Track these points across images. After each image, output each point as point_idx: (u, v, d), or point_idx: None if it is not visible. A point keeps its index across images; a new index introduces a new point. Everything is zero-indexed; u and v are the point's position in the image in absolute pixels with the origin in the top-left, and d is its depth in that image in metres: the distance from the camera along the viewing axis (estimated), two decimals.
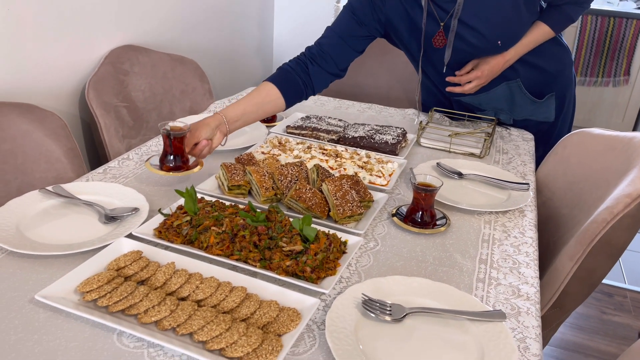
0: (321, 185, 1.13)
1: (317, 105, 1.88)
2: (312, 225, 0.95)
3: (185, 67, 1.75)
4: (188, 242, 0.96)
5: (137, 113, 1.58)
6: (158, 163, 1.17)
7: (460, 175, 1.33)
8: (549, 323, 1.09)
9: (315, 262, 0.89)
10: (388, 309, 0.82)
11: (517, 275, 0.97)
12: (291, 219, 0.98)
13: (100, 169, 1.27)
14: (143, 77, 1.61)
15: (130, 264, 0.86)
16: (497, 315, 0.82)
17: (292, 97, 1.38)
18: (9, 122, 1.18)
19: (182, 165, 1.16)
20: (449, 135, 1.56)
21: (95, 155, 1.56)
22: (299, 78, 1.38)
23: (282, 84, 1.35)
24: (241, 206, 1.07)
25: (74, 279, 0.83)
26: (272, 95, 1.34)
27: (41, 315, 0.78)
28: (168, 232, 0.97)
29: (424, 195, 1.09)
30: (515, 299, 0.90)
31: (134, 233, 0.97)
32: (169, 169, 1.15)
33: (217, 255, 0.93)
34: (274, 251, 0.92)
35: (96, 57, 1.54)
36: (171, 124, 1.16)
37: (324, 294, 0.87)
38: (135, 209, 1.05)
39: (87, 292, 0.80)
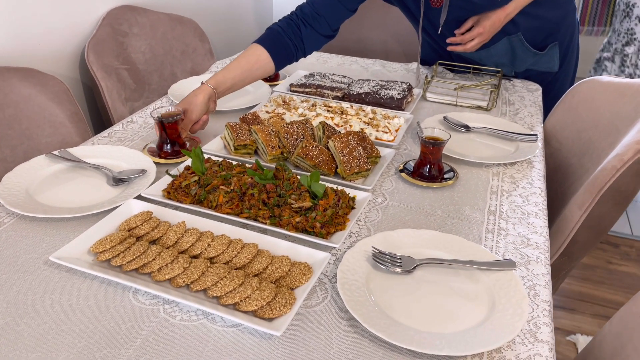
0: (327, 142, 1.12)
1: (320, 62, 1.85)
2: (320, 182, 0.95)
3: (185, 27, 1.72)
4: (197, 201, 0.96)
5: (138, 75, 1.56)
6: (156, 150, 1.16)
7: (467, 128, 1.32)
8: (558, 272, 1.10)
9: (325, 217, 0.90)
10: (398, 261, 0.83)
11: (526, 225, 0.97)
12: (299, 177, 0.97)
13: (105, 133, 1.26)
14: (142, 38, 1.58)
15: (142, 224, 0.87)
16: (507, 264, 0.82)
17: (282, 60, 1.35)
18: (11, 87, 1.16)
19: (179, 150, 1.15)
20: (454, 88, 1.53)
21: (99, 119, 1.55)
22: (290, 41, 1.34)
23: (272, 47, 1.31)
24: (248, 165, 1.07)
25: (86, 240, 0.84)
26: (262, 60, 1.31)
27: (57, 276, 0.80)
28: (177, 192, 0.98)
29: (432, 148, 1.08)
30: (524, 248, 0.91)
31: (143, 194, 0.98)
32: (167, 155, 1.14)
33: (227, 213, 0.93)
34: (283, 208, 0.92)
35: (94, 19, 1.51)
36: (163, 110, 1.14)
37: (334, 248, 0.88)
38: (143, 171, 1.05)
39: (101, 252, 0.81)
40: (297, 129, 1.16)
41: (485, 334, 0.71)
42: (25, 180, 1.02)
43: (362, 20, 2.24)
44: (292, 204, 0.93)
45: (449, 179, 1.10)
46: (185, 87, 1.50)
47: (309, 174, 0.96)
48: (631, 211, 2.58)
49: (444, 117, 1.35)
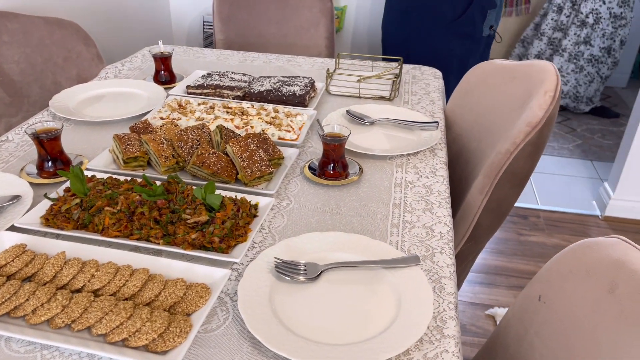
0: (226, 147, 1.06)
1: (220, 61, 1.78)
2: (217, 192, 0.89)
3: (66, 31, 1.57)
4: (81, 226, 0.87)
5: (13, 88, 1.40)
6: (36, 170, 1.04)
7: (370, 120, 1.31)
8: (466, 256, 1.12)
9: (224, 230, 0.84)
10: (302, 269, 0.79)
11: (431, 216, 0.97)
12: (193, 189, 0.91)
13: None
14: (15, 47, 1.43)
15: (12, 261, 0.77)
16: (411, 260, 0.81)
17: None
18: None
19: (63, 167, 1.04)
20: (357, 80, 1.52)
21: None
22: None
23: None
24: (139, 180, 0.99)
25: None
26: None
27: None
28: (56, 218, 0.88)
29: (333, 146, 1.05)
30: (429, 240, 0.90)
31: (16, 224, 0.87)
32: (50, 175, 1.03)
33: (115, 237, 0.85)
34: (177, 225, 0.85)
35: None
36: (40, 125, 1.03)
37: (235, 263, 0.83)
38: (17, 197, 0.94)
39: None
40: (192, 135, 1.08)
41: (392, 338, 0.69)
42: None
43: (260, 14, 2.18)
44: (187, 219, 0.86)
45: (354, 174, 1.08)
46: (69, 97, 1.37)
47: (204, 184, 0.90)
48: (536, 183, 2.73)
49: (347, 111, 1.33)
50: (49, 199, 0.93)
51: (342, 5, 2.49)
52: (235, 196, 0.93)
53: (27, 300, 0.70)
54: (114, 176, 0.98)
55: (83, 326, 0.68)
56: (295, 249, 0.84)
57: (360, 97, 1.48)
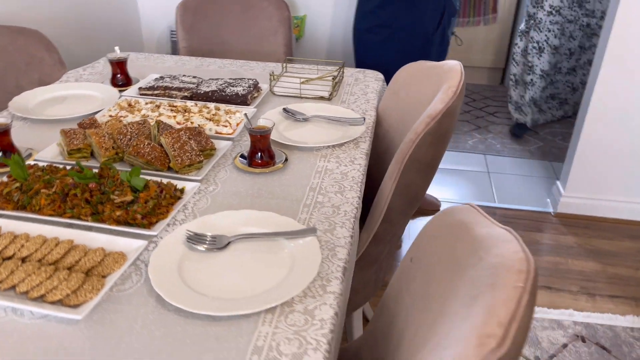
0: (160, 139, 1.17)
1: (178, 66, 1.89)
2: (150, 178, 1.00)
3: (28, 38, 1.69)
4: (21, 207, 0.98)
5: None
6: None
7: (304, 117, 1.42)
8: (383, 237, 1.22)
9: (146, 208, 0.95)
10: (211, 239, 0.90)
11: (341, 197, 1.08)
12: (122, 172, 1.01)
13: None
14: None
15: None
16: (308, 231, 0.92)
17: None
18: None
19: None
20: (301, 82, 1.64)
21: None
22: None
23: None
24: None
25: None
26: None
27: None
28: None
29: (258, 137, 1.16)
30: (334, 217, 1.01)
31: None
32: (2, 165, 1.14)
33: (50, 215, 0.95)
34: (105, 205, 0.96)
35: None
36: None
37: (154, 236, 0.93)
38: None
39: None
40: (132, 129, 1.19)
41: (279, 292, 0.79)
42: None
43: (222, 23, 2.31)
44: (115, 199, 0.97)
45: (279, 163, 1.19)
46: (28, 99, 1.48)
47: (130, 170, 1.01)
48: (495, 182, 2.85)
49: (284, 109, 1.44)
50: (2, 181, 1.03)
51: (302, 14, 2.62)
52: (161, 180, 1.04)
53: None
54: (55, 165, 1.09)
55: (8, 285, 0.78)
56: (209, 224, 0.95)
57: (301, 97, 1.59)
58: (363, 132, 1.34)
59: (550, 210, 2.64)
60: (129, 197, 0.96)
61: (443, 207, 2.62)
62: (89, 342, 0.72)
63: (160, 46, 2.81)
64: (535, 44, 3.07)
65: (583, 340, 1.88)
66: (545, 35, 3.03)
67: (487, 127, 3.53)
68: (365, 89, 1.69)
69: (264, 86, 1.62)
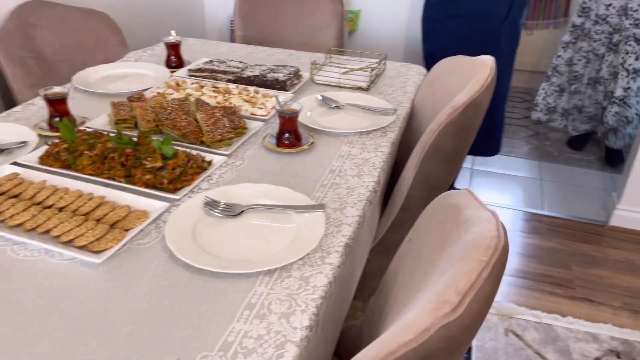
0: (197, 115, 1.26)
1: (231, 52, 1.99)
2: (173, 146, 1.08)
3: (96, 20, 1.84)
4: (66, 166, 1.09)
5: (46, 63, 1.67)
6: (46, 126, 1.28)
7: (338, 105, 1.47)
8: (402, 224, 1.25)
9: (173, 175, 1.03)
10: (226, 207, 0.97)
11: (358, 181, 1.12)
12: (155, 140, 1.10)
13: (4, 114, 1.38)
14: (52, 31, 1.70)
15: (4, 183, 0.99)
16: (317, 207, 0.97)
17: None
18: None
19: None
20: (343, 72, 1.68)
21: (11, 104, 1.66)
22: None
23: None
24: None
25: None
26: None
27: None
28: (49, 158, 1.10)
29: (286, 119, 1.22)
30: (347, 197, 1.06)
31: (18, 160, 1.10)
32: (57, 130, 1.26)
33: (89, 174, 1.06)
34: (138, 169, 1.05)
35: (2, 12, 1.62)
36: (54, 90, 1.26)
37: (177, 200, 1.01)
38: (24, 142, 1.17)
39: None
40: (172, 104, 1.29)
41: (279, 257, 0.85)
42: None
43: (278, 14, 2.39)
44: (146, 164, 1.06)
45: (305, 145, 1.24)
46: (90, 75, 1.62)
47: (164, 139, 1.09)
48: (546, 190, 2.77)
49: (320, 96, 1.50)
50: (47, 144, 1.15)
51: (357, 9, 2.66)
52: (190, 151, 1.12)
53: (8, 209, 0.92)
54: (100, 131, 1.20)
55: (43, 229, 0.88)
56: (228, 194, 1.02)
57: (340, 87, 1.64)
58: (392, 122, 1.37)
59: (603, 222, 2.53)
60: (159, 163, 1.05)
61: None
62: (105, 284, 0.81)
63: (221, 35, 2.95)
64: (583, 54, 2.91)
65: (618, 357, 1.81)
66: (592, 45, 2.85)
67: (545, 134, 3.42)
68: (405, 82, 1.70)
69: (305, 74, 1.68)
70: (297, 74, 1.63)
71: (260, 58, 1.92)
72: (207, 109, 1.24)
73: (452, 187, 2.55)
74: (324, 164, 1.18)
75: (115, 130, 1.26)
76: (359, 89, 1.62)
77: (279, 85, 1.55)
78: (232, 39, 2.44)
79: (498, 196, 2.71)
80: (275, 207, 0.97)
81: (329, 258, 0.88)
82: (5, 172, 1.05)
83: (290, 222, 0.95)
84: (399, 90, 1.63)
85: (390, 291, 0.88)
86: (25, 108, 1.42)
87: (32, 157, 1.12)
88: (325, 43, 2.39)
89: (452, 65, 1.42)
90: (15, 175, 1.02)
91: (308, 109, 1.44)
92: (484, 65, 1.21)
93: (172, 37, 1.74)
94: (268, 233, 0.93)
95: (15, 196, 0.98)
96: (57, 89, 1.29)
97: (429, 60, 2.28)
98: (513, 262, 2.25)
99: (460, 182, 2.70)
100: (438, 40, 2.18)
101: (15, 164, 1.09)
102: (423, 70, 1.82)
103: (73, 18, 1.78)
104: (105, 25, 1.85)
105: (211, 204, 0.97)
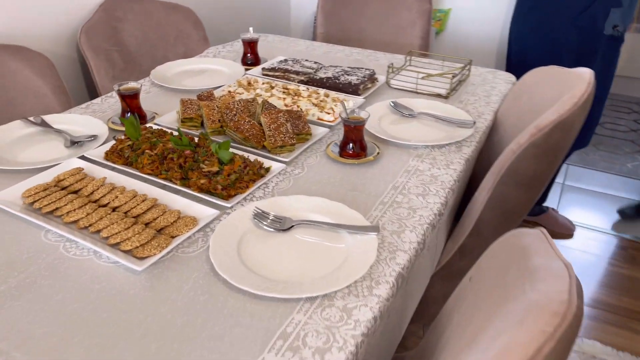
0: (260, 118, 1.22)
1: (308, 50, 1.95)
2: (232, 151, 1.05)
3: (180, 15, 1.87)
4: (128, 163, 1.10)
5: (129, 56, 1.73)
6: (119, 121, 1.30)
7: (411, 113, 1.37)
8: (470, 250, 1.14)
9: (227, 181, 1.00)
10: (276, 220, 0.92)
11: (421, 201, 1.03)
12: (213, 144, 1.08)
13: (83, 105, 1.43)
14: (136, 24, 1.75)
15: (68, 177, 1.01)
16: (370, 229, 0.89)
17: None
18: (0, 62, 1.35)
19: (139, 120, 1.29)
20: (422, 77, 1.58)
21: (94, 95, 1.73)
22: None
23: None
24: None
25: (21, 188, 0.99)
26: None
27: None
28: (113, 154, 1.11)
29: (351, 127, 1.15)
30: (407, 219, 0.97)
31: (85, 155, 1.12)
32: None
33: (148, 174, 1.06)
34: (195, 172, 1.03)
35: (92, 5, 1.69)
36: (130, 85, 1.29)
37: (228, 208, 0.98)
38: (94, 136, 1.20)
39: (27, 196, 0.96)
40: (238, 105, 1.26)
41: (323, 283, 0.79)
42: None
43: (362, 9, 2.31)
44: (203, 168, 1.04)
45: (370, 156, 1.17)
46: (168, 69, 1.65)
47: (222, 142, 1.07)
48: None
49: (392, 102, 1.41)
50: (115, 140, 1.17)
51: (447, 7, 2.51)
52: (248, 156, 1.09)
53: (66, 205, 0.93)
54: (167, 129, 1.20)
55: (95, 229, 0.89)
56: (280, 205, 0.97)
57: (417, 93, 1.54)
58: (469, 135, 1.26)
59: None
60: (215, 168, 1.02)
61: (578, 233, 2.35)
62: (143, 292, 0.79)
63: (305, 32, 2.92)
64: None
65: None
66: None
67: None
68: (490, 90, 1.57)
69: (381, 78, 1.60)
70: (372, 77, 1.55)
71: (338, 58, 1.86)
72: (271, 112, 1.20)
73: (545, 197, 2.34)
74: (387, 178, 1.10)
75: (187, 131, 1.25)
76: (438, 96, 1.51)
77: (352, 89, 1.48)
78: (315, 36, 2.40)
79: (590, 217, 2.46)
80: (326, 224, 0.91)
81: (378, 289, 0.80)
82: (72, 165, 1.08)
83: (340, 242, 0.89)
84: (482, 100, 1.50)
85: (443, 331, 0.79)
86: (104, 100, 1.46)
87: (99, 152, 1.14)
88: (409, 43, 2.28)
89: (543, 76, 1.28)
90: (79, 170, 1.04)
91: (378, 116, 1.36)
92: (580, 79, 1.07)
93: (250, 34, 1.73)
94: (316, 252, 0.87)
95: (75, 192, 1.00)
96: (132, 84, 1.31)
97: (512, 45, 2.12)
98: (600, 293, 2.02)
99: (550, 199, 2.47)
100: (523, 28, 2.03)
101: (83, 157, 1.12)
102: (512, 77, 1.66)
103: (157, 12, 1.82)
104: (187, 20, 1.88)
105: (261, 216, 0.93)
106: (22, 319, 0.74)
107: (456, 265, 1.17)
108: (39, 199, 0.95)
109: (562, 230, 2.34)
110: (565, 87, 1.09)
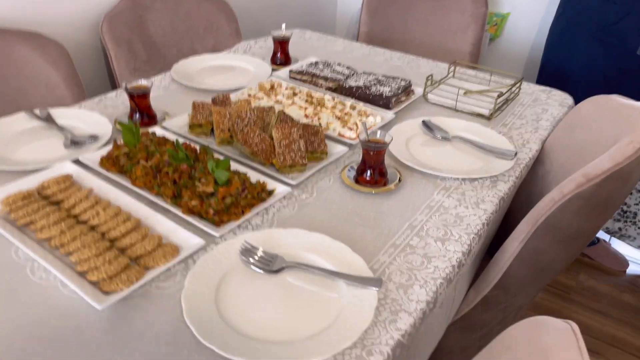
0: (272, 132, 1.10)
1: (346, 52, 1.81)
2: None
3: (212, 5, 1.77)
4: (123, 172, 1.01)
5: (153, 48, 1.64)
6: (126, 121, 1.22)
7: (444, 136, 1.22)
8: (494, 304, 0.99)
9: (220, 205, 0.89)
10: (265, 258, 0.81)
11: (440, 247, 0.88)
12: (210, 160, 0.97)
13: (96, 99, 1.36)
14: (164, 14, 1.66)
15: (52, 186, 0.93)
16: (371, 282, 0.76)
17: None
18: (12, 47, 1.30)
19: (148, 121, 1.20)
20: (464, 93, 1.42)
21: (113, 88, 1.66)
22: None
23: None
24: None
25: (5, 192, 0.92)
26: None
27: None
28: (108, 161, 1.03)
29: (370, 152, 1.02)
30: (419, 270, 0.83)
31: (80, 159, 1.04)
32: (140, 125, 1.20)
33: (139, 187, 0.96)
34: (188, 190, 0.93)
35: None
36: (141, 82, 1.20)
37: (217, 237, 0.87)
38: (95, 137, 1.12)
39: (5, 204, 0.88)
40: (252, 114, 1.15)
41: (304, 348, 0.67)
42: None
43: (410, 8, 2.14)
44: (198, 187, 0.93)
45: (388, 187, 1.03)
46: (191, 64, 1.55)
47: (221, 160, 0.96)
48: None
49: (423, 121, 1.26)
50: (115, 143, 1.08)
51: (506, 12, 2.30)
52: (249, 177, 0.98)
53: (42, 219, 0.85)
54: (171, 134, 1.10)
55: (65, 251, 0.80)
56: (275, 240, 0.85)
57: (456, 110, 1.38)
58: (508, 169, 1.10)
59: None
60: (210, 189, 0.92)
61: (631, 269, 2.13)
62: (100, 335, 0.69)
63: (350, 29, 2.77)
64: None
65: None
66: None
67: None
68: (541, 114, 1.39)
69: (418, 90, 1.45)
70: (407, 89, 1.40)
71: (376, 62, 1.71)
72: (284, 126, 1.08)
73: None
74: (406, 214, 0.96)
75: (194, 138, 1.15)
76: (479, 116, 1.35)
77: (382, 102, 1.34)
78: (358, 35, 2.25)
79: None
80: (321, 271, 0.79)
81: None
82: (62, 170, 1.00)
83: (335, 292, 0.76)
84: (530, 125, 1.32)
85: None
86: (118, 95, 1.38)
87: (95, 156, 1.05)
88: (458, 49, 2.10)
89: (602, 107, 1.10)
90: (67, 178, 0.96)
91: (407, 136, 1.21)
92: None
93: (281, 31, 1.61)
94: (305, 302, 0.75)
95: (57, 202, 0.92)
96: (143, 82, 1.22)
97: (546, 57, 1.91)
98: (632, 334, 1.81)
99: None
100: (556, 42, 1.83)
101: (77, 161, 1.04)
102: (568, 99, 1.47)
103: (188, 2, 1.73)
104: (220, 11, 1.78)
105: (249, 252, 0.81)
106: None
107: (478, 317, 1.03)
108: (16, 209, 0.87)
109: (613, 265, 2.13)
110: (627, 125, 0.92)
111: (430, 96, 1.43)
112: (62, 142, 1.13)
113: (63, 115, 1.23)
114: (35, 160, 1.05)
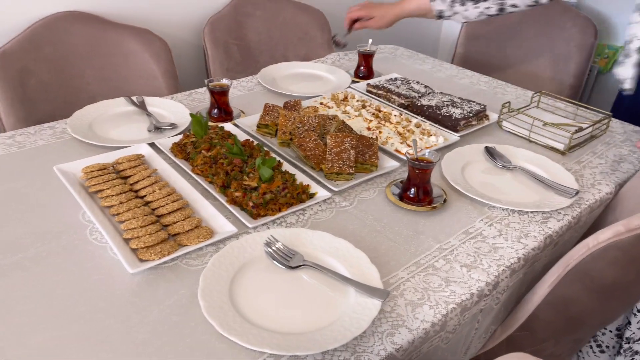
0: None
1: (433, 71, 1.81)
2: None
3: (309, 16, 1.86)
4: (187, 158, 1.12)
5: (248, 51, 1.77)
6: (205, 115, 1.34)
7: (505, 165, 1.18)
8: (521, 345, 0.94)
9: (260, 199, 0.96)
10: (286, 254, 0.85)
11: (463, 274, 0.87)
12: (258, 158, 1.04)
13: (187, 92, 1.50)
14: (262, 21, 1.78)
15: (125, 162, 1.06)
16: (377, 293, 0.78)
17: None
18: (123, 41, 1.48)
19: (225, 117, 1.31)
20: (543, 124, 1.36)
21: None
22: None
23: None
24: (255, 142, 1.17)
25: (85, 163, 1.07)
26: None
27: (54, 183, 1.03)
28: (177, 148, 1.14)
29: (416, 170, 1.02)
30: (435, 292, 0.83)
31: (156, 142, 1.17)
32: (214, 120, 1.31)
33: (197, 174, 1.06)
34: (235, 182, 1.01)
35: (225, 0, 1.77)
36: (222, 81, 1.32)
37: (250, 228, 0.94)
38: (173, 125, 1.25)
39: (84, 172, 1.03)
40: (312, 121, 1.21)
41: (297, 341, 0.70)
42: (98, 113, 1.31)
43: (509, 33, 2.07)
44: (245, 180, 1.01)
45: (430, 207, 1.03)
46: (278, 70, 1.65)
47: (268, 159, 1.02)
48: None
49: (485, 147, 1.23)
50: (186, 132, 1.20)
51: (620, 45, 2.13)
52: (290, 177, 1.03)
53: (108, 189, 0.97)
54: (241, 130, 1.20)
55: (119, 219, 0.91)
56: (299, 239, 0.90)
57: (530, 141, 1.33)
58: (565, 207, 1.04)
59: None
60: (254, 184, 0.99)
61: None
62: (126, 295, 0.79)
63: (452, 49, 2.74)
64: None
65: None
66: None
67: None
68: (626, 156, 1.29)
69: (494, 116, 1.41)
70: (479, 114, 1.37)
71: (461, 84, 1.69)
72: (338, 135, 1.12)
73: None
74: (439, 237, 0.96)
75: (259, 138, 1.24)
76: (553, 150, 1.29)
77: (450, 123, 1.33)
78: (454, 56, 2.23)
79: None
80: (334, 275, 0.82)
81: None
82: (139, 150, 1.13)
83: (344, 296, 0.79)
84: (608, 166, 1.23)
85: None
86: (206, 91, 1.52)
87: (168, 142, 1.18)
88: (559, 79, 1.99)
89: None
90: (138, 157, 1.09)
91: (466, 160, 1.20)
92: None
93: (368, 45, 1.65)
94: (313, 299, 0.78)
95: (125, 177, 1.04)
96: (224, 81, 1.33)
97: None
98: None
99: None
100: None
101: (152, 144, 1.17)
102: None
103: (286, 11, 1.84)
104: (315, 22, 1.87)
105: (272, 246, 0.87)
106: (12, 292, 0.79)
107: (501, 354, 0.98)
108: (91, 178, 1.01)
109: None
110: None
111: (504, 124, 1.39)
112: (147, 127, 1.27)
113: (154, 103, 1.38)
114: (120, 140, 1.20)
